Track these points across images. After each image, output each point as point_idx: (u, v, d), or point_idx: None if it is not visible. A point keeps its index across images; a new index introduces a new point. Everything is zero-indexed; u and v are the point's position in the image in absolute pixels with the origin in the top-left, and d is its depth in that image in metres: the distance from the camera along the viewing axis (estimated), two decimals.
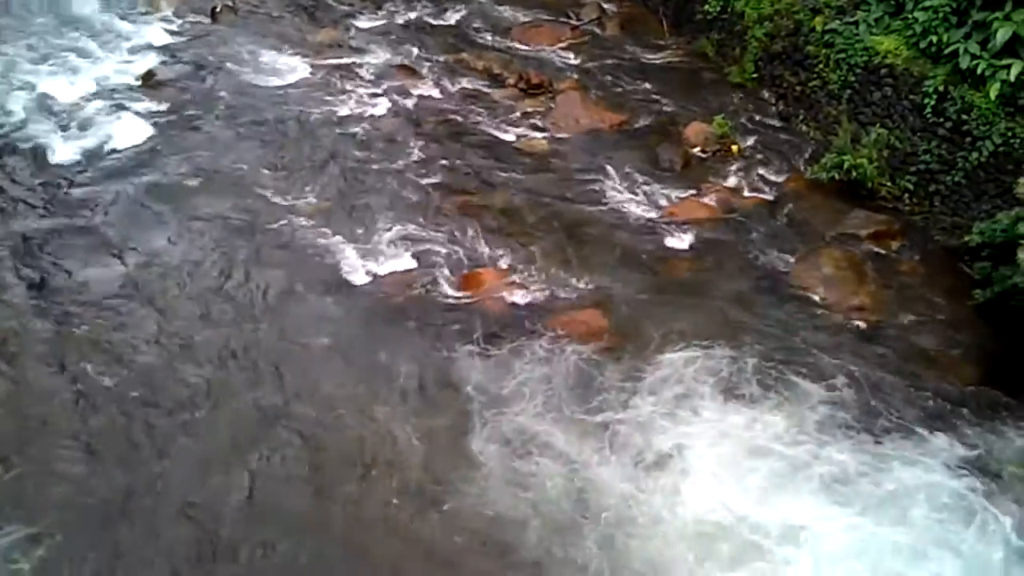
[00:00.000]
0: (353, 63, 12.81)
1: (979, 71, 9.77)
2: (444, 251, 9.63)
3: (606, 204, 10.61)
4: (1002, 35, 9.57)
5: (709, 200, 10.78)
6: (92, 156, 10.48)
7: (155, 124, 11.08)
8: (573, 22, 14.39)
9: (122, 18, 13.18)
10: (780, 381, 8.24)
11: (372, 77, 12.52)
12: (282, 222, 9.78)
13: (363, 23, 13.98)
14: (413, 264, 9.47)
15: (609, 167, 11.15)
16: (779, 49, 12.33)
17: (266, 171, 10.53)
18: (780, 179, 11.24)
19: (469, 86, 12.71)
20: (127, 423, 7.49)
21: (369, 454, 7.46)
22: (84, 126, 10.91)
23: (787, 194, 10.99)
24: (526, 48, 13.78)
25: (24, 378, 7.82)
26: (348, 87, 12.23)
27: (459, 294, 9.16)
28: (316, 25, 13.79)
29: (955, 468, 7.50)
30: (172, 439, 7.42)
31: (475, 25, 14.29)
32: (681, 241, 10.11)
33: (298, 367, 8.17)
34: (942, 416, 8.11)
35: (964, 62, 9.90)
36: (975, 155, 9.95)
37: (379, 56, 13.05)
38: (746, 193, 11.03)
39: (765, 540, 6.90)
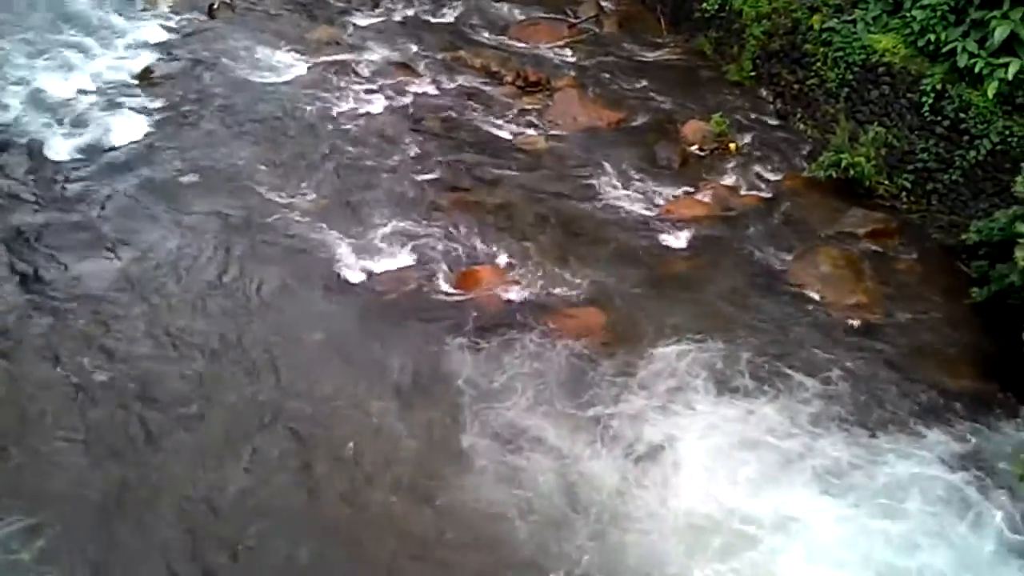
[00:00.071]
0: (350, 60, 12.77)
1: (977, 69, 9.76)
2: (441, 248, 9.63)
3: (603, 202, 10.60)
4: (1000, 33, 9.56)
5: (706, 198, 10.77)
6: (88, 152, 10.49)
7: (152, 120, 11.08)
8: (571, 20, 14.36)
9: (119, 15, 13.13)
10: (775, 376, 8.27)
11: (369, 74, 12.50)
12: (278, 218, 9.78)
13: (360, 20, 13.94)
14: (410, 261, 9.47)
15: (606, 165, 11.13)
16: (777, 47, 12.33)
17: (262, 168, 10.52)
18: (777, 177, 11.23)
19: (466, 84, 12.68)
20: (124, 417, 7.52)
21: (364, 449, 7.47)
22: (81, 122, 10.91)
23: (784, 192, 10.99)
24: (524, 46, 13.76)
25: (21, 372, 7.85)
26: (345, 84, 12.20)
27: (456, 291, 9.16)
28: (313, 22, 13.75)
29: (949, 462, 7.52)
30: (167, 433, 7.45)
31: (472, 23, 14.26)
32: (678, 239, 10.10)
33: (293, 363, 8.17)
34: (937, 412, 8.13)
35: (962, 60, 9.89)
36: (973, 153, 9.94)
37: (376, 53, 13.03)
38: (743, 191, 11.02)
39: (757, 531, 6.92)
